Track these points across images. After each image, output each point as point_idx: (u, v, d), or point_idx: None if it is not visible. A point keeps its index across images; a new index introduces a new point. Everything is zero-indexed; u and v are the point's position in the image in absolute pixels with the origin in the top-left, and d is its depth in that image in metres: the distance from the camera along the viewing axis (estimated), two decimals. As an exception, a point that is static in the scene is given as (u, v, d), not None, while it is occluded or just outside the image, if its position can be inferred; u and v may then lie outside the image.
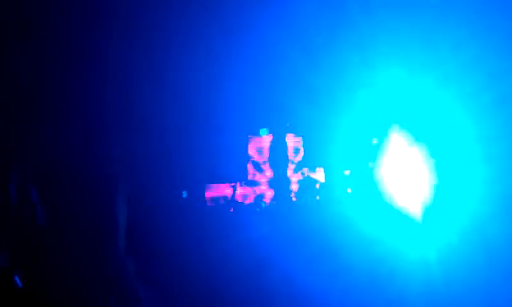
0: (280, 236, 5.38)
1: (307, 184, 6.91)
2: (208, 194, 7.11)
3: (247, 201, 7.15)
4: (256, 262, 5.19)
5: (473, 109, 5.53)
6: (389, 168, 5.91)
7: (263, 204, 7.07)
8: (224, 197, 7.05)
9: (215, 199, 7.02)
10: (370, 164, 6.14)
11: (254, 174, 7.31)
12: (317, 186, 6.83)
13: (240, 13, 6.26)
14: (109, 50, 5.11)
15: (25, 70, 5.05)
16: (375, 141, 6.23)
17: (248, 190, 7.15)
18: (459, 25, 5.48)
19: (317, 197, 6.69)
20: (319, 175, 7.04)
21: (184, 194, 7.02)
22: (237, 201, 7.06)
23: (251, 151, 7.37)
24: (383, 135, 6.07)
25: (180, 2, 5.99)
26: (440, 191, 5.64)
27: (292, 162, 7.26)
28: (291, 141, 7.32)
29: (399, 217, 5.49)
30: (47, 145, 4.34)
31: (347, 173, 6.60)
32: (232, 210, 6.78)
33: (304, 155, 7.26)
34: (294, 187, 7.04)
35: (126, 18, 5.55)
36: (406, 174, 5.81)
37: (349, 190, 6.50)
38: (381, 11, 5.72)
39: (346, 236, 5.14)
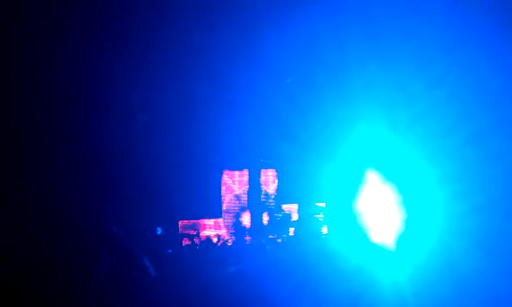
0: (260, 272, 5.42)
1: (284, 220, 6.99)
2: (183, 230, 7.08)
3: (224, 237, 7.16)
4: (237, 298, 5.20)
5: (439, 151, 5.85)
6: (364, 203, 6.14)
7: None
8: (199, 235, 7.04)
9: (190, 236, 7.00)
10: (345, 199, 6.32)
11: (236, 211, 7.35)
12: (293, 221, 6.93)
13: (222, 57, 6.44)
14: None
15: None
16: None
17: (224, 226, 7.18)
18: (432, 66, 5.80)
19: (292, 233, 6.78)
20: (295, 210, 7.15)
21: (159, 231, 6.92)
22: (212, 239, 7.06)
23: (233, 186, 7.42)
24: (358, 173, 6.28)
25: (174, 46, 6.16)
26: (409, 223, 5.92)
27: (268, 198, 7.35)
28: (267, 176, 7.42)
29: (374, 247, 5.68)
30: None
31: (322, 206, 6.74)
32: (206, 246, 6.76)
33: (279, 190, 7.35)
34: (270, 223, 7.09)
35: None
36: (379, 209, 6.07)
37: (324, 227, 6.63)
38: (355, 49, 5.98)
39: (324, 270, 5.24)
